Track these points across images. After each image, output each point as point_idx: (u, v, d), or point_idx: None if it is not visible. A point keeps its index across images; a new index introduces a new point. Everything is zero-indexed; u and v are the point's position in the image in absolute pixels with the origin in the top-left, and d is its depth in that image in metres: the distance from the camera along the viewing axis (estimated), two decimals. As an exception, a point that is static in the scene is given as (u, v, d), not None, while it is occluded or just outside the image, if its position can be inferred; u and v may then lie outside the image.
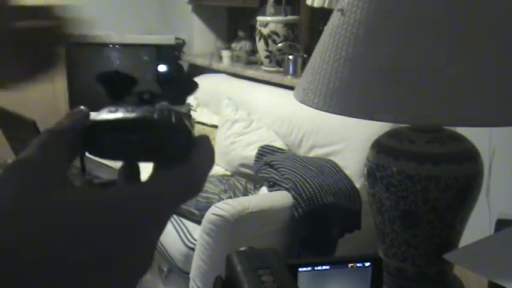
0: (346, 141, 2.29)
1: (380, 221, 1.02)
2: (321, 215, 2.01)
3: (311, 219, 1.99)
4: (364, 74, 0.85)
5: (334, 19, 0.93)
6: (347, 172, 2.18)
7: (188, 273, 2.06)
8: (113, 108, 0.33)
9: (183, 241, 2.16)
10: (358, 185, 2.11)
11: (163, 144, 0.32)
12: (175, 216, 2.23)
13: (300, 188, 2.02)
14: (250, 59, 3.40)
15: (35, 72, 0.66)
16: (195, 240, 2.09)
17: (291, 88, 2.50)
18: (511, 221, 1.11)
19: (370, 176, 1.00)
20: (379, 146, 1.00)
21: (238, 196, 2.35)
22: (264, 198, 2.09)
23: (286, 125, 2.63)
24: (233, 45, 3.57)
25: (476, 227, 1.21)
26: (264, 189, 2.30)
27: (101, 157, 0.33)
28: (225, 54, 3.47)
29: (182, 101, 0.36)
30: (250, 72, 3.19)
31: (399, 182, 0.95)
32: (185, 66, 3.96)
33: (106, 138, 0.32)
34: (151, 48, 3.66)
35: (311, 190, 2.01)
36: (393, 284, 1.03)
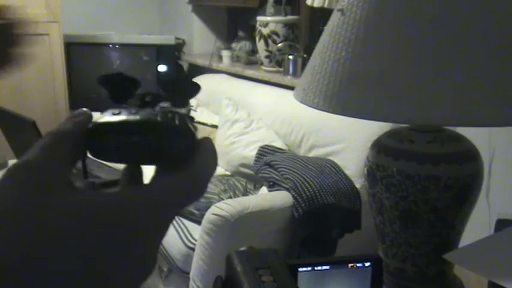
0: (346, 141, 2.29)
1: (380, 221, 1.02)
2: (321, 215, 2.01)
3: (311, 219, 1.99)
4: (364, 74, 0.85)
5: (334, 19, 0.93)
6: (347, 172, 2.19)
7: (188, 273, 2.06)
8: (116, 111, 0.32)
9: (183, 241, 2.16)
10: (358, 185, 2.12)
11: (167, 147, 0.32)
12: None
13: (300, 188, 2.02)
14: (250, 59, 3.39)
15: None
16: (195, 240, 2.09)
17: (291, 88, 2.50)
18: (511, 221, 1.11)
19: (370, 176, 1.00)
20: (379, 146, 1.00)
21: (238, 196, 2.35)
22: (264, 198, 2.09)
23: (286, 125, 2.63)
24: (233, 45, 3.57)
25: (476, 227, 1.21)
26: (264, 189, 2.30)
27: (104, 160, 0.33)
28: (225, 54, 3.47)
29: (185, 103, 0.36)
30: (250, 72, 3.19)
31: (399, 182, 0.95)
32: (185, 66, 3.97)
33: (109, 140, 0.32)
34: (151, 48, 3.66)
35: (311, 190, 2.01)
36: (393, 284, 1.03)
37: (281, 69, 2.98)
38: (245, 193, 2.44)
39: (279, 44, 3.00)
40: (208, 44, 3.78)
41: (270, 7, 3.05)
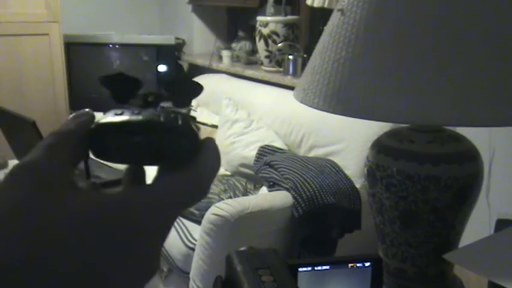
0: (346, 141, 2.29)
1: (380, 221, 1.02)
2: (321, 215, 2.01)
3: (311, 219, 1.99)
4: (364, 74, 0.85)
5: (334, 19, 0.93)
6: (347, 172, 2.19)
7: (188, 273, 2.06)
8: (118, 111, 0.32)
9: (183, 241, 2.16)
10: (358, 185, 2.11)
11: (170, 147, 0.32)
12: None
13: (300, 188, 2.02)
14: (250, 59, 3.39)
15: None
16: (195, 240, 2.09)
17: (291, 88, 2.50)
18: (511, 221, 1.11)
19: (370, 176, 1.00)
20: (379, 146, 1.00)
21: (238, 196, 2.35)
22: (264, 198, 2.09)
23: (286, 125, 2.63)
24: (233, 45, 3.57)
25: (476, 227, 1.21)
26: (264, 189, 2.30)
27: (107, 160, 0.33)
28: (225, 54, 3.47)
29: (187, 103, 0.35)
30: (250, 72, 3.19)
31: (399, 182, 0.95)
32: (185, 66, 3.97)
33: (112, 140, 0.32)
34: (151, 48, 3.66)
35: (311, 190, 2.01)
36: (393, 284, 1.03)
37: (281, 69, 2.98)
38: (245, 193, 2.44)
39: (279, 44, 3.00)
40: (208, 44, 3.78)
41: (270, 7, 3.05)
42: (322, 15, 2.83)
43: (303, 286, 0.81)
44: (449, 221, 0.97)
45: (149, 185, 0.32)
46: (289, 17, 3.03)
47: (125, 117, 0.32)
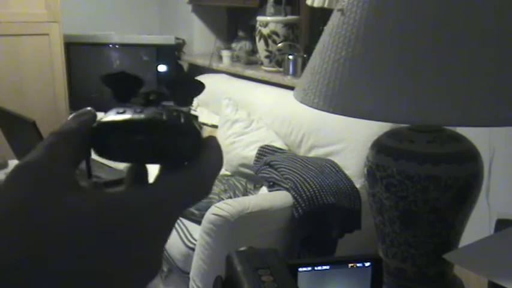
0: (346, 141, 2.29)
1: (380, 221, 1.02)
2: (321, 215, 2.01)
3: (311, 219, 1.99)
4: (364, 74, 0.85)
5: (334, 19, 0.93)
6: (347, 172, 2.19)
7: (188, 273, 2.06)
8: (120, 110, 0.32)
9: (183, 241, 2.16)
10: (358, 185, 2.11)
11: (172, 146, 0.32)
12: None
13: (300, 188, 2.02)
14: (250, 59, 3.39)
15: None
16: (195, 240, 2.09)
17: (291, 88, 2.50)
18: (511, 221, 1.11)
19: (370, 176, 1.00)
20: (379, 146, 1.00)
21: (238, 196, 2.35)
22: (264, 198, 2.09)
23: (286, 125, 2.63)
24: (233, 45, 3.57)
25: (476, 227, 1.21)
26: (264, 189, 2.30)
27: (109, 158, 0.33)
28: (225, 54, 3.47)
29: (189, 102, 0.35)
30: (250, 72, 3.19)
31: (399, 182, 0.95)
32: (185, 66, 3.97)
33: (114, 139, 0.32)
34: (151, 48, 3.66)
35: (311, 190, 2.01)
36: (393, 284, 1.03)
37: (281, 69, 2.98)
38: (245, 193, 2.44)
39: (279, 44, 3.00)
40: (208, 44, 3.78)
41: (270, 7, 3.05)
42: (322, 15, 2.83)
43: (303, 286, 0.81)
44: (449, 221, 0.97)
45: (151, 184, 0.32)
46: (289, 17, 3.03)
47: (127, 116, 0.32)
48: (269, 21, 3.02)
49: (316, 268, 0.81)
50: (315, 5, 2.72)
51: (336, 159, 2.27)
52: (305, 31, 3.09)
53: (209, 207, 1.96)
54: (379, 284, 0.84)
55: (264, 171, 2.29)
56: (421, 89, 0.81)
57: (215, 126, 2.95)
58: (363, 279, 0.84)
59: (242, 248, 0.56)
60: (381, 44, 0.85)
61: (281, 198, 2.04)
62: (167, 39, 3.73)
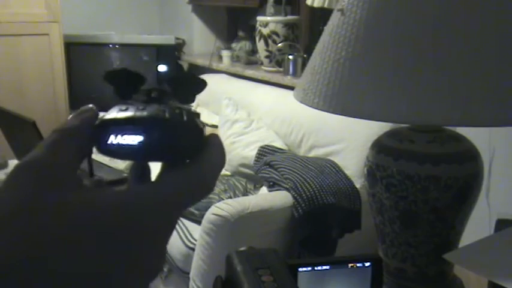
0: (346, 141, 2.29)
1: (380, 221, 1.02)
2: (321, 215, 2.01)
3: (311, 219, 1.99)
4: (364, 74, 0.85)
5: (334, 19, 0.93)
6: (347, 172, 2.18)
7: (188, 273, 2.06)
8: (123, 107, 0.32)
9: (183, 241, 2.16)
10: (358, 185, 2.11)
11: (175, 143, 0.32)
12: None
13: (300, 188, 2.02)
14: (250, 59, 3.39)
15: None
16: (195, 240, 2.09)
17: (291, 88, 2.50)
18: (511, 221, 1.11)
19: (370, 176, 1.00)
20: (379, 146, 1.00)
21: (238, 196, 2.35)
22: (264, 198, 2.09)
23: (286, 125, 2.63)
24: (233, 45, 3.57)
25: (476, 227, 1.21)
26: (264, 189, 2.30)
27: (111, 156, 0.32)
28: (225, 54, 3.47)
29: (191, 99, 0.35)
30: (250, 72, 3.19)
31: (399, 182, 0.95)
32: (185, 66, 3.97)
33: (116, 136, 0.32)
34: (151, 48, 3.66)
35: (311, 190, 2.01)
36: (393, 284, 1.03)
37: (281, 69, 2.98)
38: (245, 193, 2.44)
39: (279, 44, 3.00)
40: (208, 44, 3.78)
41: (270, 7, 3.05)
42: (322, 15, 2.83)
43: (303, 286, 0.81)
44: (449, 221, 0.97)
45: (154, 182, 0.32)
46: (289, 17, 3.03)
47: (129, 113, 0.32)
48: (269, 21, 3.02)
49: (316, 268, 0.81)
50: (315, 5, 2.72)
51: (336, 159, 2.27)
52: (305, 31, 3.09)
53: (209, 207, 1.96)
54: (379, 284, 0.84)
55: (264, 171, 2.29)
56: (421, 89, 0.81)
57: (215, 126, 2.95)
58: (363, 279, 0.84)
59: (242, 248, 0.56)
60: (380, 44, 0.85)
61: (281, 198, 2.04)
62: (167, 39, 3.73)
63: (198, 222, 2.09)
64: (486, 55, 0.81)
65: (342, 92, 0.87)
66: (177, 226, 2.21)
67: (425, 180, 0.93)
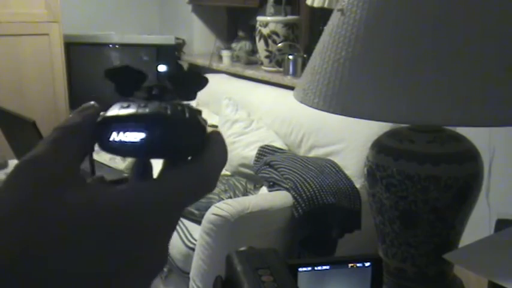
0: (346, 141, 2.29)
1: (380, 221, 1.02)
2: (321, 215, 2.01)
3: (311, 219, 1.99)
4: (364, 74, 0.85)
5: (334, 19, 0.93)
6: (347, 172, 2.18)
7: (188, 273, 2.06)
8: (124, 104, 0.32)
9: (183, 241, 2.16)
10: (358, 185, 2.11)
11: (177, 140, 0.32)
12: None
13: (300, 188, 2.02)
14: (250, 59, 3.39)
15: None
16: (195, 240, 2.09)
17: (291, 88, 2.50)
18: (511, 221, 1.11)
19: (370, 176, 1.00)
20: (379, 146, 1.00)
21: (238, 196, 2.35)
22: (264, 198, 2.09)
23: (286, 125, 2.63)
24: (233, 45, 3.57)
25: (476, 227, 1.21)
26: (264, 189, 2.30)
27: (113, 153, 0.32)
28: (225, 54, 3.47)
29: (192, 96, 0.35)
30: (250, 72, 3.19)
31: (399, 182, 0.95)
32: (185, 66, 3.97)
33: (118, 134, 0.31)
34: (151, 48, 3.66)
35: (311, 190, 2.01)
36: (393, 284, 1.03)
37: (281, 69, 2.98)
38: (245, 193, 2.44)
39: (279, 44, 3.00)
40: (208, 44, 3.78)
41: (270, 7, 3.05)
42: (322, 15, 2.83)
43: (303, 286, 0.81)
44: (449, 221, 0.97)
45: (155, 179, 0.32)
46: (289, 17, 3.03)
47: (131, 110, 0.31)
48: (269, 21, 3.02)
49: (316, 268, 0.81)
50: (315, 5, 2.72)
51: (336, 159, 2.27)
52: (305, 31, 3.09)
53: (209, 207, 1.96)
54: (379, 284, 0.84)
55: (264, 171, 2.29)
56: (421, 89, 0.81)
57: (215, 126, 2.95)
58: (363, 279, 0.84)
59: (242, 248, 0.56)
60: (380, 44, 0.85)
61: (281, 198, 2.04)
62: (167, 39, 3.73)
63: (198, 222, 2.09)
64: (486, 55, 0.81)
65: (342, 92, 0.87)
66: (177, 226, 2.21)
67: (425, 180, 0.93)
